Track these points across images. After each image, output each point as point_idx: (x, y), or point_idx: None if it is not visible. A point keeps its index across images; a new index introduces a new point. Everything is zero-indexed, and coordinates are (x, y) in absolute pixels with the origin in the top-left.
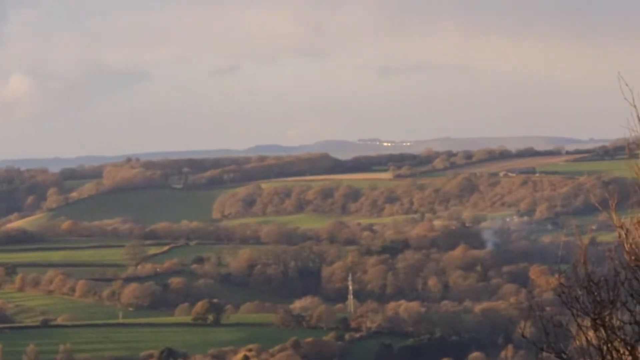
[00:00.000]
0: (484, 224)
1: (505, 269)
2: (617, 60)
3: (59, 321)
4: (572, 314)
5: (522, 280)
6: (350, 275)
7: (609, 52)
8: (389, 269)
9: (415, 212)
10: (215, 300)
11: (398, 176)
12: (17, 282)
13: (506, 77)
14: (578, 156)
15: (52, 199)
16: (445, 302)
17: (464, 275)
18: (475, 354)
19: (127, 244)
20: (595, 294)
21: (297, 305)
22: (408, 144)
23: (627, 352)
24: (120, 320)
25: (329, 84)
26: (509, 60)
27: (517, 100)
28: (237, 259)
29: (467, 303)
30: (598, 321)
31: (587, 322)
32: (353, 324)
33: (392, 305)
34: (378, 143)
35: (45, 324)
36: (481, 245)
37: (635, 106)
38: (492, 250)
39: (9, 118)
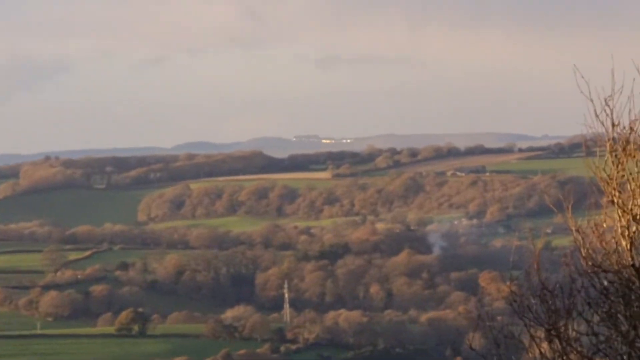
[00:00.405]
0: (430, 227)
1: (453, 275)
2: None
3: None
4: (525, 324)
5: (471, 287)
6: (286, 282)
7: (564, 44)
8: (328, 276)
9: (357, 214)
10: (140, 310)
11: (338, 175)
12: None
13: (454, 70)
14: (531, 154)
15: None
16: (389, 311)
17: (408, 282)
18: None
19: (45, 249)
20: (550, 302)
21: (229, 314)
22: (348, 141)
23: None
24: (39, 331)
25: (265, 77)
26: (457, 53)
27: (466, 95)
28: (164, 265)
29: (413, 312)
30: (553, 332)
31: (541, 333)
32: (289, 335)
33: (331, 314)
34: (316, 140)
35: None
36: (427, 250)
37: (592, 100)
38: (439, 255)
39: None
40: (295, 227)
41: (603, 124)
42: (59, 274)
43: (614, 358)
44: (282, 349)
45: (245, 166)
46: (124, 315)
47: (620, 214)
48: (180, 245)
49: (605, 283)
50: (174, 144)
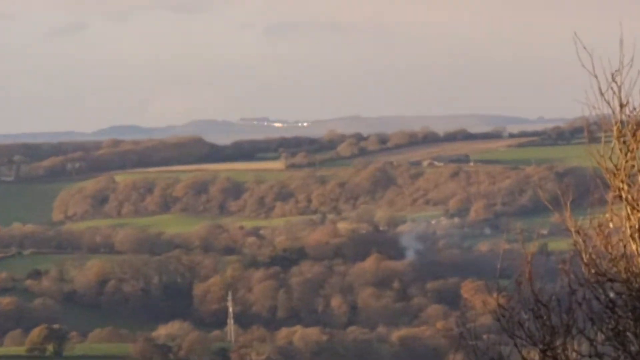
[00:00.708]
0: (402, 228)
1: (430, 285)
2: (573, 18)
3: None
4: (516, 344)
5: (451, 300)
6: (230, 293)
7: (564, 9)
8: (281, 286)
9: (315, 212)
10: (56, 326)
11: (292, 166)
12: None
13: (432, 40)
14: (524, 140)
15: None
16: (353, 328)
17: (376, 293)
18: None
19: None
20: (545, 318)
21: (162, 332)
22: (305, 124)
23: None
24: None
25: (204, 48)
26: (435, 18)
27: (445, 69)
28: (84, 272)
29: (381, 329)
30: (548, 353)
31: (535, 354)
32: (234, 356)
33: (284, 332)
34: (266, 124)
35: None
36: (399, 254)
37: (596, 76)
38: (413, 261)
39: None
40: (241, 228)
41: (609, 104)
42: None
43: None
44: None
45: (181, 155)
46: (36, 332)
47: (630, 212)
48: (104, 250)
49: (612, 295)
50: (96, 129)
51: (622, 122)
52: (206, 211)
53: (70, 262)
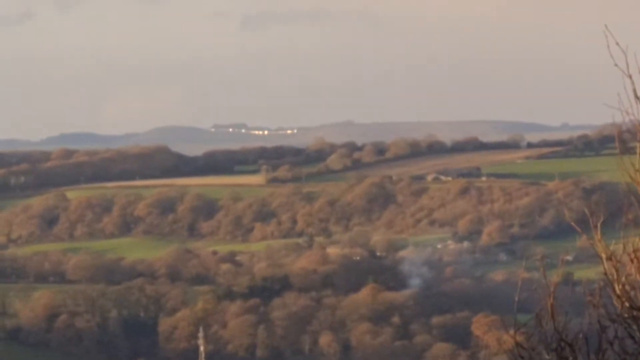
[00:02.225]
0: (403, 253)
1: (435, 320)
2: (603, 9)
3: None
4: None
5: (461, 337)
6: (201, 330)
7: (590, 1)
8: (260, 321)
9: (300, 234)
10: None
11: (274, 180)
12: None
13: (437, 35)
14: (545, 151)
15: None
16: None
17: (373, 330)
18: None
19: None
20: (570, 359)
21: None
22: (289, 132)
23: None
24: None
25: (169, 42)
26: (440, 10)
27: (454, 68)
28: (30, 305)
29: None
30: None
31: None
32: None
33: None
34: (244, 131)
35: None
36: (400, 284)
37: (630, 76)
38: (416, 292)
39: None
40: (214, 253)
41: None
42: None
43: None
44: None
45: (143, 167)
46: None
47: None
48: (54, 278)
49: None
50: (45, 136)
51: None
52: (173, 233)
53: (14, 293)
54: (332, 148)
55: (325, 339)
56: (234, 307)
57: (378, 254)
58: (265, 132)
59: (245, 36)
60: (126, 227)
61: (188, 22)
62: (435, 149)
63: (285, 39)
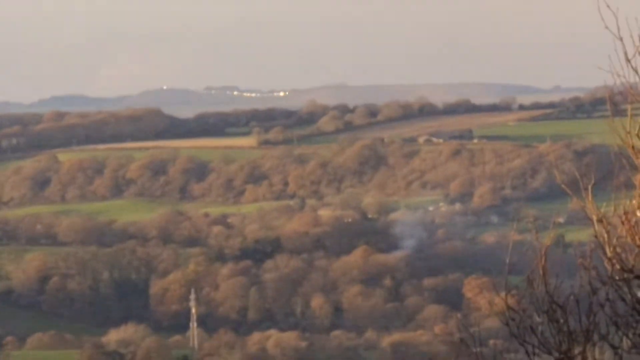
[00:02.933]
0: (395, 215)
1: (427, 282)
2: None
3: None
4: (527, 352)
5: (452, 299)
6: (193, 292)
7: None
8: (252, 283)
9: (292, 196)
10: None
11: (266, 143)
12: None
13: None
14: (537, 113)
15: None
16: (338, 332)
17: (365, 292)
18: None
19: None
20: (561, 321)
21: (114, 337)
22: (281, 94)
23: None
24: None
25: (161, 4)
26: None
27: (445, 30)
28: (22, 267)
29: (370, 334)
30: None
31: None
32: None
33: (256, 337)
34: (236, 93)
35: None
36: (391, 247)
37: (621, 39)
38: (407, 254)
39: None
40: (206, 215)
41: (637, 72)
42: None
43: None
44: None
45: (135, 129)
46: None
47: None
48: (45, 241)
49: (639, 294)
50: (36, 99)
51: None
52: (165, 195)
53: (6, 256)
54: (324, 110)
55: (316, 301)
56: (226, 269)
57: (370, 216)
58: (257, 95)
59: None
60: (118, 189)
61: None
62: (427, 111)
63: (278, 1)
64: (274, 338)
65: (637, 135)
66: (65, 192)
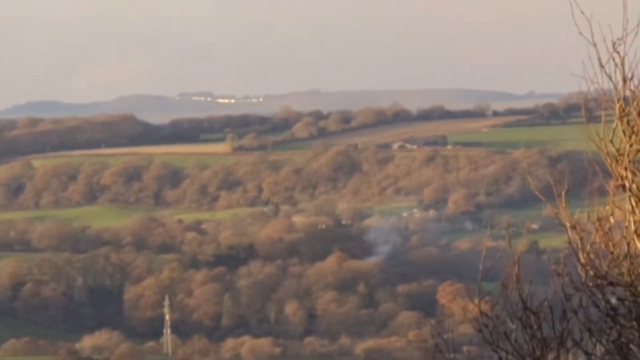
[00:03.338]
0: (369, 222)
1: (401, 288)
2: None
3: None
4: (500, 358)
5: (426, 306)
6: (167, 298)
7: None
8: (226, 289)
9: (266, 203)
10: None
11: (240, 149)
12: None
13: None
14: (511, 119)
15: None
16: (311, 338)
17: (338, 298)
18: None
19: None
20: (535, 327)
21: (88, 343)
22: (255, 100)
23: None
24: None
25: (134, 7)
26: None
27: (419, 36)
28: None
29: (344, 340)
30: None
31: None
32: None
33: (230, 343)
34: (210, 99)
35: None
36: (365, 253)
37: (595, 45)
38: (381, 260)
39: None
40: (180, 222)
41: (611, 78)
42: None
43: None
44: None
45: (109, 136)
46: None
47: (634, 204)
48: (19, 247)
49: (613, 301)
50: (10, 105)
51: (625, 98)
52: (139, 202)
53: None
54: (298, 116)
55: (290, 308)
56: (200, 275)
57: (344, 222)
58: (232, 101)
59: (212, 3)
60: (92, 195)
61: None
62: (401, 117)
63: (252, 5)
64: (247, 344)
65: (611, 141)
66: (40, 198)
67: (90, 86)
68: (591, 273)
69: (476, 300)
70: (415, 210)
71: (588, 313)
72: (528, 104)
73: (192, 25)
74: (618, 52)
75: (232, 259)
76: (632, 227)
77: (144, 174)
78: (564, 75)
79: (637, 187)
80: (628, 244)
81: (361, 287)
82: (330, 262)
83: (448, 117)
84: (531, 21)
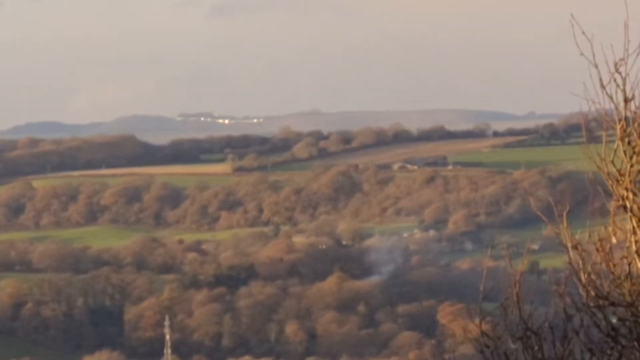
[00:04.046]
0: (369, 242)
1: (401, 309)
2: (567, 1)
3: None
4: None
5: (426, 326)
6: (167, 318)
7: None
8: (226, 310)
9: (266, 223)
10: None
11: (240, 169)
12: None
13: (402, 21)
14: (511, 139)
15: None
16: (312, 358)
17: (339, 318)
18: None
19: None
20: (536, 348)
21: None
22: (255, 120)
23: None
24: None
25: (135, 29)
26: None
27: (419, 57)
28: None
29: None
30: None
31: None
32: None
33: None
34: (210, 120)
35: None
36: (365, 273)
37: (596, 65)
38: (381, 281)
39: None
40: (180, 242)
41: (612, 99)
42: None
43: None
44: None
45: (109, 156)
46: None
47: (635, 225)
48: (20, 267)
49: (614, 321)
50: (11, 125)
51: (626, 119)
52: (139, 222)
53: None
54: (298, 137)
55: (291, 328)
56: (200, 295)
57: (344, 242)
58: (232, 121)
59: (213, 25)
60: (92, 216)
61: (155, 9)
62: (401, 137)
63: (252, 28)
64: None
65: (612, 162)
66: (40, 218)
67: (91, 107)
68: (592, 293)
69: (477, 321)
70: (415, 230)
71: (589, 333)
72: (528, 124)
73: (193, 46)
74: (620, 73)
75: (232, 279)
76: (633, 248)
77: (144, 194)
78: (564, 95)
79: (638, 208)
80: (629, 264)
81: (362, 308)
82: (330, 283)
83: (448, 138)
84: (532, 42)
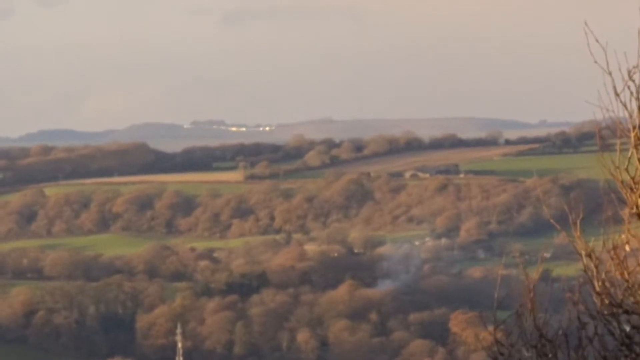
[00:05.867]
0: (381, 250)
1: (413, 317)
2: (582, 7)
3: None
4: None
5: (439, 334)
6: (179, 326)
7: None
8: (238, 318)
9: (278, 231)
10: None
11: (252, 177)
12: None
13: (415, 30)
14: (523, 147)
15: None
16: None
17: (351, 326)
18: None
19: None
20: (550, 356)
21: None
22: (267, 128)
23: None
24: None
25: (147, 38)
26: (419, 5)
27: (432, 65)
28: (8, 302)
29: None
30: None
31: None
32: None
33: None
34: (223, 128)
35: None
36: (377, 281)
37: (610, 73)
38: (393, 289)
39: None
40: (192, 250)
41: (625, 107)
42: None
43: None
44: None
45: (122, 164)
46: None
47: None
48: (31, 275)
49: (628, 329)
50: (23, 133)
51: None
52: (151, 230)
53: None
54: (310, 145)
55: (303, 336)
56: (212, 303)
57: (356, 250)
58: (244, 129)
59: (224, 33)
60: (104, 223)
61: (167, 18)
62: (413, 145)
63: (264, 36)
64: None
65: (626, 170)
66: (52, 226)
67: (103, 114)
68: (606, 301)
69: (490, 329)
70: (427, 238)
71: (603, 341)
72: (540, 132)
73: (204, 53)
74: (633, 80)
75: (244, 287)
76: None
77: (156, 202)
78: (576, 103)
79: None
80: None
81: (373, 316)
82: (342, 291)
83: (460, 146)
84: (544, 50)
